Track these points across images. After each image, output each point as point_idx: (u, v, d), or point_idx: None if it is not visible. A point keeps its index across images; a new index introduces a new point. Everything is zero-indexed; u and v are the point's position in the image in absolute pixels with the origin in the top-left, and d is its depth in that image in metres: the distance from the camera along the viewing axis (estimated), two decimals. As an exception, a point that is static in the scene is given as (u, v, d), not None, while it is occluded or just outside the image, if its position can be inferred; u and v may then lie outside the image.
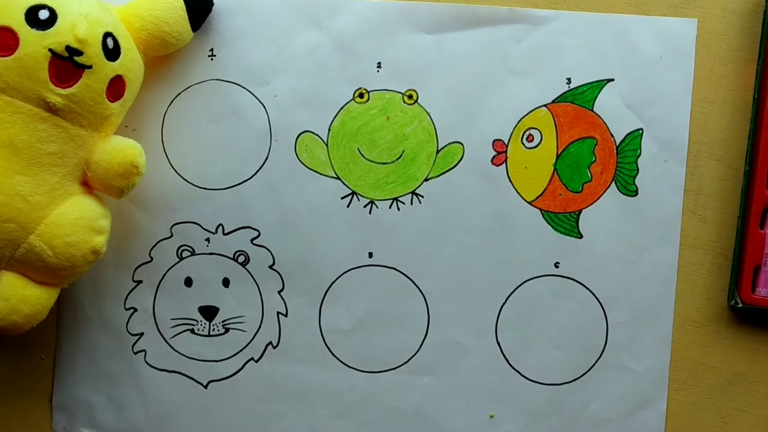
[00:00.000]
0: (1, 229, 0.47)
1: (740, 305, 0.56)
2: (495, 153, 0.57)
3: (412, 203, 0.57)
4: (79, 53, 0.47)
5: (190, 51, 0.56)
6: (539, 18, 0.57)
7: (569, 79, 0.57)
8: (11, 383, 0.59)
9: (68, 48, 0.46)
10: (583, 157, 0.57)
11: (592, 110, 0.57)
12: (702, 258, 0.58)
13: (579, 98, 0.57)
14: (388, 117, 0.57)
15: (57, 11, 0.46)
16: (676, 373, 0.58)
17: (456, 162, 0.57)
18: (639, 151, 0.57)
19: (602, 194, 0.57)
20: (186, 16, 0.53)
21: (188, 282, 0.58)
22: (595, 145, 0.57)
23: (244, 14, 0.57)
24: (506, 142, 0.57)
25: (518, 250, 0.57)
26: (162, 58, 0.55)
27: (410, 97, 0.57)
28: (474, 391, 0.58)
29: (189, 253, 0.58)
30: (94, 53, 0.47)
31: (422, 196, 0.57)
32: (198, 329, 0.58)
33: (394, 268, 0.58)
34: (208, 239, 0.57)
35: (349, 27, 0.57)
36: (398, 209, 0.57)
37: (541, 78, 0.57)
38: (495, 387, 0.58)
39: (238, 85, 0.57)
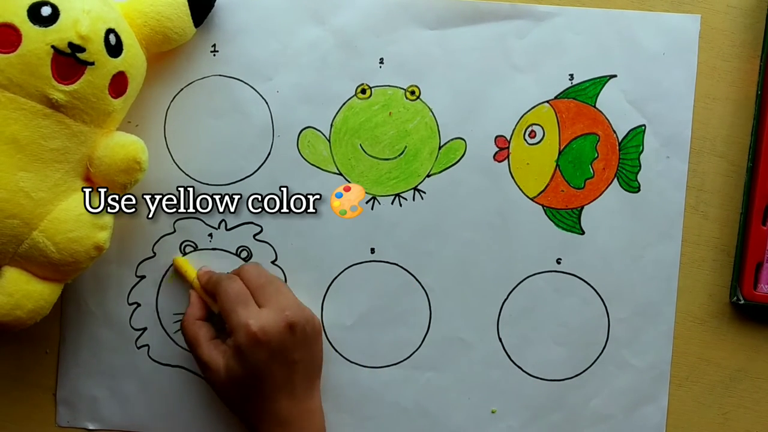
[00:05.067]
0: (4, 225, 0.47)
1: (742, 302, 0.56)
2: (497, 149, 0.57)
3: (414, 199, 0.57)
4: (82, 50, 0.47)
5: (193, 47, 0.56)
6: (542, 14, 0.56)
7: (572, 75, 0.57)
8: (16, 377, 0.59)
9: (71, 44, 0.46)
10: (585, 154, 0.57)
11: (594, 106, 0.57)
12: (704, 254, 0.58)
13: (581, 94, 0.57)
14: (390, 113, 0.57)
15: (59, 7, 0.46)
16: (677, 369, 0.58)
17: (458, 158, 0.57)
18: (641, 148, 0.57)
19: (604, 190, 0.57)
20: (188, 11, 0.53)
21: (191, 277, 0.58)
22: (598, 141, 0.57)
23: (247, 10, 0.57)
24: (508, 138, 0.57)
25: (520, 246, 0.57)
26: (164, 53, 0.55)
27: (413, 92, 0.57)
28: (476, 387, 0.58)
29: (192, 249, 0.58)
30: (96, 49, 0.47)
31: (424, 192, 0.57)
32: (201, 324, 0.58)
33: (396, 264, 0.58)
34: (210, 235, 0.58)
35: (352, 22, 0.57)
36: (400, 205, 0.57)
37: (544, 74, 0.57)
38: (497, 382, 0.58)
39: (241, 80, 0.57)
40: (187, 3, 0.53)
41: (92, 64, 0.47)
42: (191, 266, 0.57)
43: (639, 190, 0.57)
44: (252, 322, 0.50)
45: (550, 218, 0.57)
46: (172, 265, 0.57)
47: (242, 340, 0.50)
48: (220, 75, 0.57)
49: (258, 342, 0.50)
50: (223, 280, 0.54)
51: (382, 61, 0.57)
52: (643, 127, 0.57)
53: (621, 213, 0.57)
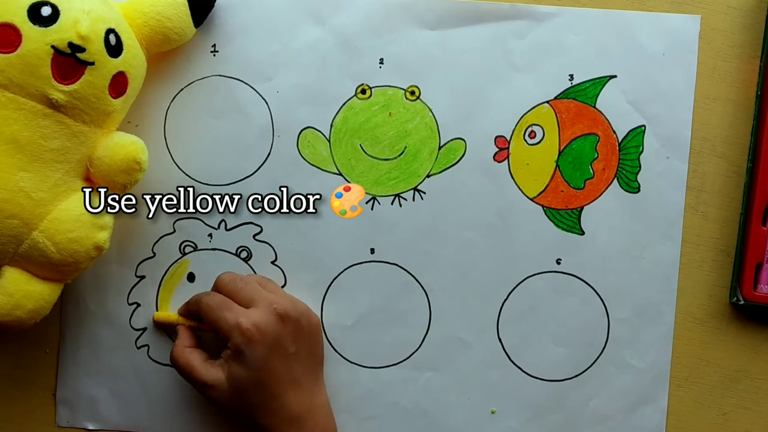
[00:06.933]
0: (4, 225, 0.47)
1: (742, 302, 0.56)
2: (497, 149, 0.57)
3: (414, 199, 0.57)
4: (82, 50, 0.47)
5: (193, 47, 0.56)
6: (542, 14, 0.56)
7: (572, 76, 0.57)
8: (16, 377, 0.59)
9: (70, 44, 0.46)
10: (585, 154, 0.57)
11: (594, 107, 0.57)
12: (704, 255, 0.58)
13: (581, 95, 0.57)
14: (390, 113, 0.57)
15: (59, 8, 0.46)
16: (677, 369, 0.58)
17: (458, 158, 0.57)
18: (641, 148, 0.57)
19: (604, 191, 0.57)
20: (188, 11, 0.53)
21: (191, 277, 0.58)
22: (598, 141, 0.57)
23: (247, 10, 0.57)
24: (508, 139, 0.57)
25: (520, 247, 0.57)
26: (164, 54, 0.55)
27: (413, 93, 0.57)
28: (475, 387, 0.58)
29: (192, 249, 0.58)
30: (96, 50, 0.47)
31: (424, 193, 0.57)
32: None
33: (396, 264, 0.58)
34: (210, 235, 0.58)
35: (352, 23, 0.57)
36: (400, 205, 0.57)
37: (544, 74, 0.57)
38: (496, 383, 0.58)
39: (241, 80, 0.57)
40: (187, 3, 0.53)
41: (92, 64, 0.47)
42: (169, 313, 0.58)
43: (639, 191, 0.57)
44: (243, 321, 0.51)
45: (550, 218, 0.57)
46: (153, 321, 0.58)
47: (238, 340, 0.50)
48: (220, 75, 0.57)
49: (253, 338, 0.50)
50: (201, 297, 0.54)
51: (382, 61, 0.57)
52: (643, 128, 0.57)
53: (621, 213, 0.57)
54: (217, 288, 0.55)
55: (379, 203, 0.57)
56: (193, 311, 0.55)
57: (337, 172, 0.57)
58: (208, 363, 0.53)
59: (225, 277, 0.55)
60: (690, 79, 0.57)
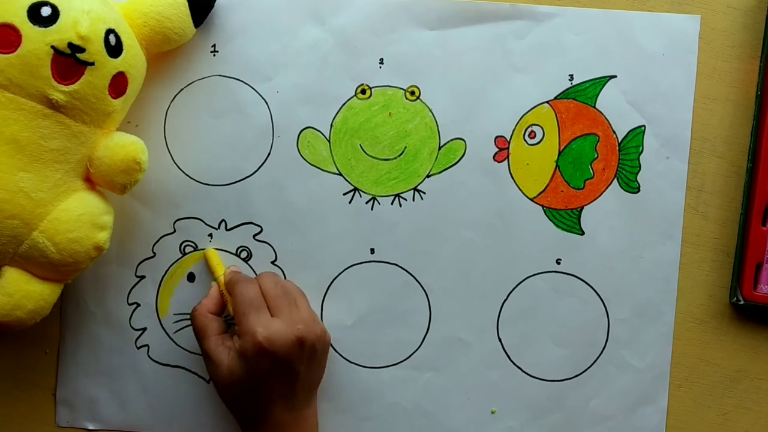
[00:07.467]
0: (4, 225, 0.47)
1: (742, 302, 0.56)
2: (497, 149, 0.57)
3: (413, 199, 0.57)
4: (82, 50, 0.47)
5: (193, 47, 0.56)
6: (542, 14, 0.56)
7: (572, 76, 0.57)
8: (16, 377, 0.59)
9: (70, 45, 0.46)
10: (585, 154, 0.57)
11: (594, 107, 0.57)
12: (704, 255, 0.58)
13: (581, 95, 0.57)
14: (390, 113, 0.57)
15: (59, 8, 0.46)
16: (677, 369, 0.58)
17: (458, 158, 0.57)
18: (641, 148, 0.57)
19: (604, 191, 0.57)
20: (188, 11, 0.53)
21: (191, 277, 0.58)
22: (597, 141, 0.57)
23: (247, 10, 0.57)
24: (508, 139, 0.57)
25: (520, 247, 0.57)
26: (164, 54, 0.55)
27: (412, 93, 0.57)
28: (475, 387, 0.58)
29: (192, 249, 0.58)
30: (96, 50, 0.47)
31: (424, 193, 0.57)
32: (200, 324, 0.58)
33: (396, 264, 0.58)
34: (210, 235, 0.58)
35: (352, 23, 0.57)
36: (400, 205, 0.57)
37: (544, 74, 0.57)
38: (496, 383, 0.58)
39: (241, 80, 0.57)
40: (187, 3, 0.53)
41: (92, 64, 0.47)
42: (221, 262, 0.57)
43: (639, 191, 0.57)
44: (260, 330, 0.50)
45: (549, 219, 0.57)
46: (203, 254, 0.57)
47: (247, 347, 0.50)
48: (220, 75, 0.57)
49: (263, 351, 0.50)
50: (240, 282, 0.53)
51: (382, 61, 0.57)
52: (643, 128, 0.57)
53: (621, 213, 0.57)
54: (258, 281, 0.54)
55: (379, 203, 0.57)
56: (228, 290, 0.54)
57: (337, 172, 0.57)
58: (221, 338, 0.53)
59: (268, 277, 0.54)
60: (690, 79, 0.57)
